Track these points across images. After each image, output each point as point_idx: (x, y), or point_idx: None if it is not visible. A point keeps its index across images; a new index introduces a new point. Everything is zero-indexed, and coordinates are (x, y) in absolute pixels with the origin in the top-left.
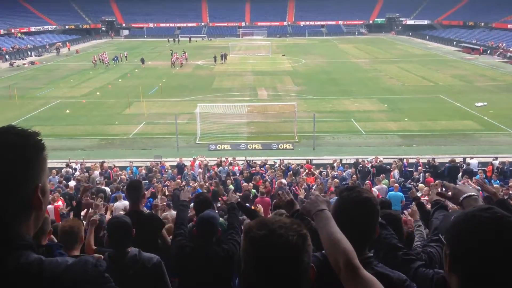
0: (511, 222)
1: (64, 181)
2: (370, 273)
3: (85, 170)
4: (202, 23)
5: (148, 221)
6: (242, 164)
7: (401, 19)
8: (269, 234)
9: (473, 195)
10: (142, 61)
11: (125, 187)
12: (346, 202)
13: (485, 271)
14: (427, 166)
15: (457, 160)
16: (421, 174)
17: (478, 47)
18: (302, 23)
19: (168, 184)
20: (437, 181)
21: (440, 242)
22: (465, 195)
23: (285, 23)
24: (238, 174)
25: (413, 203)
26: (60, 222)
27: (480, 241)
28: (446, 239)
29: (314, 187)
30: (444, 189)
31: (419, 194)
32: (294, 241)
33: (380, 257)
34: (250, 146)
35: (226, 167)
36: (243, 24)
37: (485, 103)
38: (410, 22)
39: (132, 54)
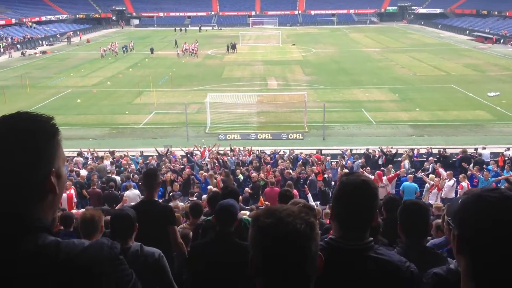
0: None
1: (75, 170)
2: (372, 257)
3: (95, 159)
4: (212, 12)
5: (161, 212)
6: (252, 153)
7: (413, 7)
8: (276, 222)
9: None
10: (151, 50)
11: (141, 175)
12: (345, 185)
13: (493, 251)
14: (438, 156)
15: (469, 150)
16: (431, 165)
17: (491, 36)
18: (312, 12)
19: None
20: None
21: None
22: None
23: (296, 12)
24: (247, 164)
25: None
26: (72, 211)
27: (487, 221)
28: (453, 221)
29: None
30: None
31: (427, 185)
32: (302, 229)
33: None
34: (259, 136)
35: (235, 157)
36: (253, 13)
37: (498, 93)
38: (422, 10)
39: (142, 44)
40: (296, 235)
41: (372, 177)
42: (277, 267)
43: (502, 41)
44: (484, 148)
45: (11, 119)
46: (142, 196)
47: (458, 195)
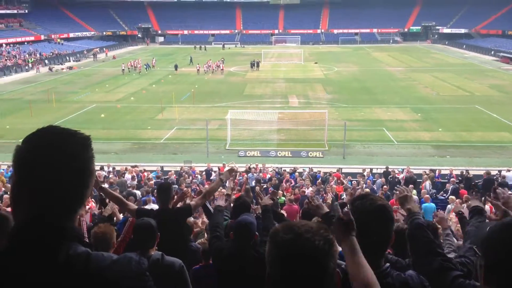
0: None
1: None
2: (389, 282)
3: (116, 173)
4: (236, 30)
5: (176, 213)
6: (271, 171)
7: (437, 27)
8: (295, 238)
9: None
10: (176, 67)
11: (156, 189)
12: (360, 211)
13: None
14: (460, 178)
15: (493, 172)
16: (451, 187)
17: None
18: (335, 31)
19: (198, 188)
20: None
21: (475, 252)
22: None
23: (319, 31)
24: (267, 181)
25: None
26: (91, 223)
27: None
28: (481, 249)
29: (345, 195)
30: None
31: (449, 206)
32: (321, 246)
33: (416, 260)
34: (279, 153)
35: (255, 174)
36: (276, 31)
37: None
38: (446, 30)
39: (166, 61)
40: (314, 252)
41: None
42: (295, 283)
43: None
44: (509, 171)
45: (57, 129)
46: None
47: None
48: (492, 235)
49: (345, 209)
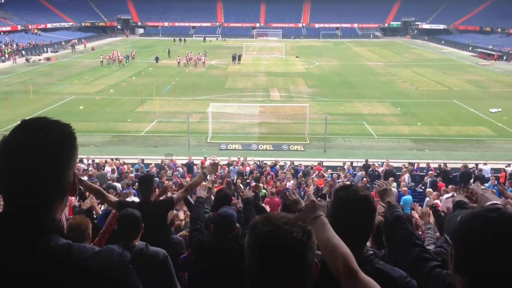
0: None
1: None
2: (370, 271)
3: (95, 166)
4: (217, 23)
5: (158, 205)
6: (252, 164)
7: (417, 23)
8: (274, 230)
9: (498, 203)
10: (157, 59)
11: (137, 181)
12: (343, 201)
13: (490, 271)
14: (438, 171)
15: (470, 165)
16: (429, 180)
17: (494, 53)
18: (317, 25)
19: (179, 181)
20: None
21: (447, 242)
22: (490, 202)
23: (300, 25)
24: (248, 174)
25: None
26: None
27: (485, 241)
28: (451, 238)
29: (325, 188)
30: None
31: (427, 199)
32: (299, 237)
33: (393, 253)
34: (261, 147)
35: (237, 167)
36: (257, 25)
37: (500, 109)
38: (426, 26)
39: (146, 53)
40: (293, 243)
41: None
42: (274, 274)
43: (505, 58)
44: (485, 164)
45: (38, 122)
46: None
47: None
48: (462, 224)
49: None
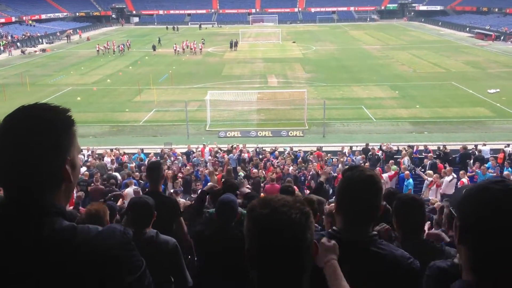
0: None
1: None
2: (374, 251)
3: (96, 156)
4: (212, 10)
5: (167, 204)
6: (251, 151)
7: (413, 4)
8: (272, 213)
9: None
10: (154, 48)
11: (146, 168)
12: (349, 181)
13: (494, 242)
14: (437, 153)
15: (469, 147)
16: (429, 162)
17: (491, 33)
18: (313, 10)
19: (176, 169)
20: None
21: (451, 213)
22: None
23: (296, 10)
24: (247, 161)
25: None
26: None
27: (490, 212)
28: (456, 211)
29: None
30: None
31: (427, 181)
32: (297, 219)
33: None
34: (260, 133)
35: (236, 154)
36: (253, 11)
37: (498, 90)
38: (422, 7)
39: (142, 42)
40: (291, 225)
41: None
42: (272, 256)
43: (502, 38)
44: (484, 145)
45: (30, 108)
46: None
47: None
48: (467, 197)
49: (325, 239)
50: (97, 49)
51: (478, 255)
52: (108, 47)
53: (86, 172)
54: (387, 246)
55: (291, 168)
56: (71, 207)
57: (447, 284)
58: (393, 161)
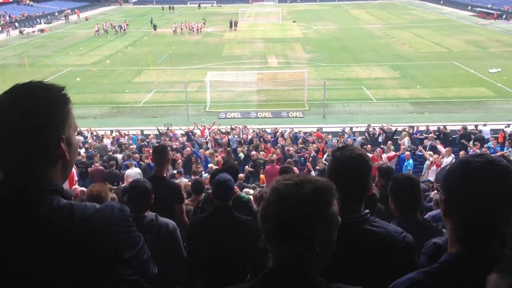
0: (502, 166)
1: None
2: (368, 229)
3: (95, 137)
4: None
5: (169, 189)
6: (252, 132)
7: None
8: (295, 184)
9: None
10: (155, 27)
11: (152, 150)
12: (339, 160)
13: (478, 214)
14: (437, 133)
15: (469, 127)
16: (429, 143)
17: (493, 12)
18: None
19: (176, 152)
20: None
21: (437, 189)
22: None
23: None
24: (248, 142)
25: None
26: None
27: (474, 184)
28: (441, 185)
29: (325, 155)
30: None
31: (427, 162)
32: (317, 193)
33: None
34: (260, 114)
35: (236, 136)
36: None
37: (499, 69)
38: None
39: (140, 22)
40: (311, 198)
41: (370, 155)
42: (290, 228)
43: (504, 16)
44: (485, 125)
45: (24, 86)
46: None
47: None
48: (450, 171)
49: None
50: (96, 28)
51: (462, 226)
52: (106, 28)
53: (84, 154)
54: (380, 222)
55: (291, 149)
56: (72, 187)
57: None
58: (391, 142)
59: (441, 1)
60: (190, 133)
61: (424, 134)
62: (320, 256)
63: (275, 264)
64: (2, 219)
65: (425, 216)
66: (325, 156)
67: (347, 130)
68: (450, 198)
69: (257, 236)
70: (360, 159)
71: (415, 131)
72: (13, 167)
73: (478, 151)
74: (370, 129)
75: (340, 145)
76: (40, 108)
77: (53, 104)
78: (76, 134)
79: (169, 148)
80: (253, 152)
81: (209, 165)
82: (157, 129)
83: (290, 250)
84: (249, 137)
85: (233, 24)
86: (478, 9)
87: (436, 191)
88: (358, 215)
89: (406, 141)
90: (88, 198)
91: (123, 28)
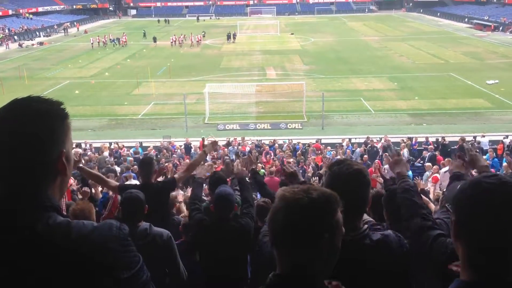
0: None
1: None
2: (370, 244)
3: (94, 150)
4: (210, 2)
5: (160, 186)
6: (250, 144)
7: None
8: (301, 191)
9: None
10: (154, 39)
11: (138, 163)
12: (337, 175)
13: (490, 237)
14: (436, 145)
15: (468, 138)
16: (428, 154)
17: (490, 24)
18: (311, 1)
19: (178, 163)
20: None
21: (447, 210)
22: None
23: (294, 1)
24: (246, 154)
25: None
26: (71, 201)
27: (485, 206)
28: (452, 206)
29: (323, 167)
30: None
31: (426, 173)
32: (321, 200)
33: (395, 225)
34: (258, 126)
35: (235, 147)
36: (251, 2)
37: (497, 81)
38: None
39: (139, 34)
40: (314, 205)
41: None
42: (295, 233)
43: (501, 28)
44: (483, 136)
45: (24, 100)
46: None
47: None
48: (462, 192)
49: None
50: (91, 42)
51: (474, 250)
52: (105, 41)
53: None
54: (377, 235)
55: (291, 160)
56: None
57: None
58: (386, 154)
59: (438, 14)
60: (188, 145)
61: (423, 146)
62: (326, 264)
63: (282, 270)
64: None
65: None
66: (322, 168)
67: (344, 143)
68: (461, 220)
69: (253, 238)
70: (358, 174)
71: (413, 142)
72: (13, 182)
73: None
74: (368, 146)
75: (338, 157)
76: (41, 123)
77: (54, 119)
78: (73, 147)
79: (155, 160)
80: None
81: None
82: (161, 144)
83: (297, 257)
84: (247, 148)
85: (231, 36)
86: (475, 21)
87: (438, 204)
88: (358, 232)
89: (405, 152)
90: (72, 215)
91: (123, 41)
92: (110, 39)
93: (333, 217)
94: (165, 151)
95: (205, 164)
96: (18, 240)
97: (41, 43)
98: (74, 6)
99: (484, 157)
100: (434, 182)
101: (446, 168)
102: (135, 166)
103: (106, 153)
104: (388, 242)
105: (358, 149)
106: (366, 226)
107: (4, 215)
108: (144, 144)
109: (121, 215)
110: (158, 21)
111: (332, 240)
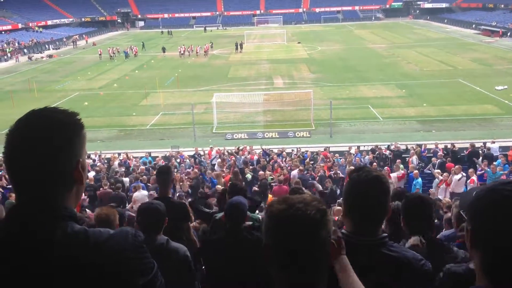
0: None
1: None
2: (385, 253)
3: (104, 161)
4: (217, 12)
5: (176, 209)
6: (259, 152)
7: (418, 2)
8: (288, 208)
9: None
10: (163, 50)
11: (155, 172)
12: (356, 182)
13: (507, 245)
14: (445, 152)
15: (477, 145)
16: (438, 161)
17: (498, 30)
18: (317, 10)
19: (186, 173)
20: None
21: (462, 216)
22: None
23: (300, 10)
24: (255, 163)
25: None
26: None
27: (501, 215)
28: (467, 214)
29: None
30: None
31: (436, 180)
32: (312, 215)
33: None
34: (266, 135)
35: (243, 156)
36: (258, 12)
37: (506, 87)
38: (427, 5)
39: (147, 45)
40: (306, 221)
41: None
42: (288, 252)
43: (509, 34)
44: (493, 142)
45: (42, 111)
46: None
47: (467, 189)
48: (477, 199)
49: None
50: (99, 52)
51: (490, 259)
52: (114, 53)
53: (92, 177)
54: (398, 247)
55: (298, 169)
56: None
57: None
58: (400, 160)
59: (445, 20)
60: (197, 155)
61: (432, 152)
62: (322, 279)
63: None
64: (17, 245)
65: (438, 236)
66: (331, 173)
67: (352, 150)
68: (477, 228)
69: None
70: (377, 181)
71: (423, 149)
72: (33, 192)
73: (487, 168)
74: (377, 153)
75: (354, 165)
76: (59, 134)
77: (71, 129)
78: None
79: (172, 169)
80: (261, 172)
81: (217, 186)
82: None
83: (292, 277)
84: (255, 157)
85: (238, 46)
86: (483, 27)
87: (456, 216)
88: (375, 238)
89: (414, 159)
90: (96, 221)
91: (134, 52)
92: (124, 51)
93: (323, 229)
94: (174, 160)
95: (213, 173)
96: (37, 249)
97: (50, 56)
98: (83, 19)
99: (495, 163)
100: (446, 186)
101: (458, 176)
102: (144, 177)
103: (116, 163)
104: (407, 256)
105: (367, 157)
106: (385, 234)
107: (23, 225)
108: (152, 154)
109: (139, 226)
110: (162, 32)
111: (324, 255)
